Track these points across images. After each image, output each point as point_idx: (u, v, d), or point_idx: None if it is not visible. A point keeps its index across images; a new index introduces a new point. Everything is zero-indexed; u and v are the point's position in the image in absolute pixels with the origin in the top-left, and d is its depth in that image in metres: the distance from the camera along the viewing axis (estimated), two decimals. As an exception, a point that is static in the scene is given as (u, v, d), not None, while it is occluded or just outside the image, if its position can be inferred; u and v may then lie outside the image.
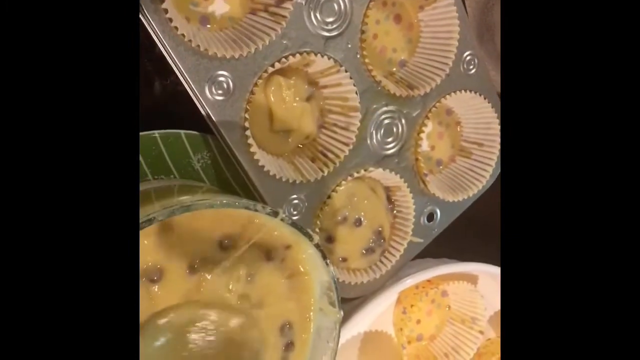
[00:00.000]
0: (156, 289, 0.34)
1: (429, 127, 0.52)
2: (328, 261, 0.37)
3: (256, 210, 0.34)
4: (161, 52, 0.38)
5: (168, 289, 0.35)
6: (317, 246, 0.37)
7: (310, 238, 0.36)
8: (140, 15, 0.36)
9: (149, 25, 0.37)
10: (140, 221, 0.31)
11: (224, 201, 0.34)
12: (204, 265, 0.35)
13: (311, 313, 0.40)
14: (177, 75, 0.39)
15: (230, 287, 0.36)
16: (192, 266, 0.35)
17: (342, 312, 0.39)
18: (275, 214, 0.34)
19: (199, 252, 0.35)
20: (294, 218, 0.44)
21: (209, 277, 0.35)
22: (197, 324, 0.35)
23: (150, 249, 0.34)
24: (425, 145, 0.52)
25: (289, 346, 0.40)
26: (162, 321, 0.34)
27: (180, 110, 0.41)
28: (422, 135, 0.50)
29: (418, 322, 0.55)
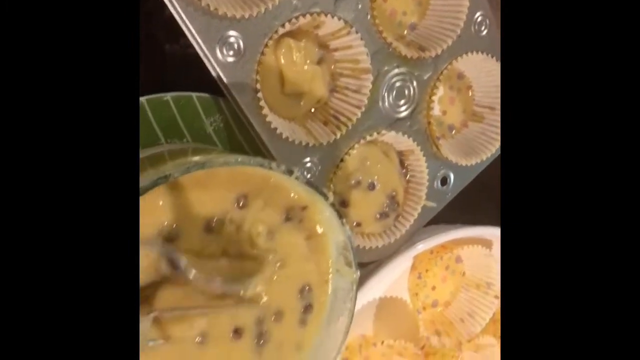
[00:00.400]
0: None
1: (440, 91, 0.51)
2: (344, 220, 0.37)
3: (270, 168, 0.34)
4: (171, 14, 0.38)
5: (185, 249, 0.35)
6: (332, 205, 0.36)
7: (325, 197, 0.36)
8: (149, -25, 0.36)
9: (157, -16, 0.36)
10: (155, 178, 0.30)
11: (239, 159, 0.33)
12: (221, 224, 0.35)
13: (329, 275, 0.40)
14: (187, 38, 0.39)
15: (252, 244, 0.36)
16: (209, 226, 0.35)
17: (358, 272, 0.39)
18: (289, 172, 0.34)
19: (215, 212, 0.35)
20: (308, 181, 0.44)
21: (227, 235, 0.35)
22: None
23: (165, 209, 0.34)
24: (436, 110, 0.52)
25: (308, 308, 0.40)
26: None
27: (191, 74, 0.41)
28: (434, 98, 0.49)
29: (433, 288, 0.55)
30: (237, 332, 0.36)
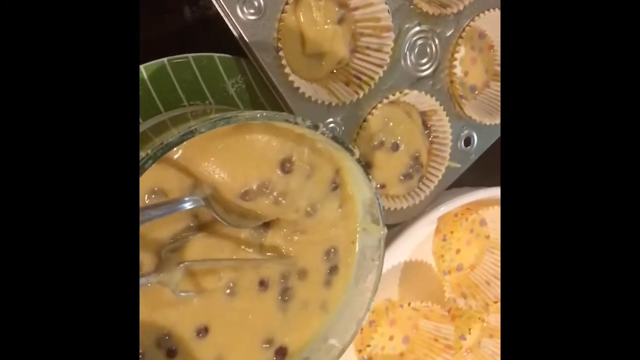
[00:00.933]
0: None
1: (462, 51, 0.50)
2: (370, 177, 0.37)
3: (296, 123, 0.33)
4: (189, -26, 0.38)
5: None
6: (358, 161, 0.36)
7: (351, 153, 0.36)
8: None
9: (176, -59, 0.36)
10: (182, 133, 0.30)
11: (264, 114, 0.33)
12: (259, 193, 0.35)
13: (357, 235, 0.40)
14: (206, -2, 0.39)
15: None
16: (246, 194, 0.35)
17: (385, 229, 0.38)
18: (315, 127, 0.34)
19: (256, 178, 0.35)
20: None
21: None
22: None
23: (201, 170, 0.34)
24: (459, 71, 0.51)
25: (333, 270, 0.40)
26: None
27: (212, 35, 0.41)
28: (456, 56, 0.48)
29: (458, 251, 0.55)
30: (263, 284, 0.36)
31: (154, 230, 0.33)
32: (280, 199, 0.36)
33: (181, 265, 0.32)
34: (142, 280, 0.30)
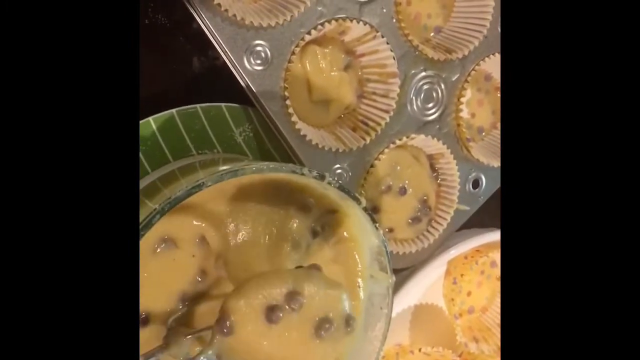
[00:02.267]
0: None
1: (468, 94, 0.51)
2: (377, 225, 0.37)
3: (303, 174, 0.34)
4: (198, 27, 0.39)
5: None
6: (365, 210, 0.36)
7: (358, 202, 0.36)
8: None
9: (185, -3, 0.37)
10: (189, 187, 0.31)
11: (271, 166, 0.33)
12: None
13: (359, 279, 0.40)
14: (215, 50, 0.39)
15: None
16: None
17: (394, 277, 0.38)
18: (321, 177, 0.34)
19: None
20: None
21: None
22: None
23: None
24: (465, 113, 0.51)
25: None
26: None
27: (220, 85, 0.41)
28: (463, 100, 0.49)
29: (469, 294, 0.54)
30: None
31: (160, 298, 0.33)
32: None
33: (189, 337, 0.32)
34: (152, 359, 0.30)
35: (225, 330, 0.30)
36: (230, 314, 0.30)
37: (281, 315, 0.31)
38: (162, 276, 0.33)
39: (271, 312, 0.31)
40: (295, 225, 0.36)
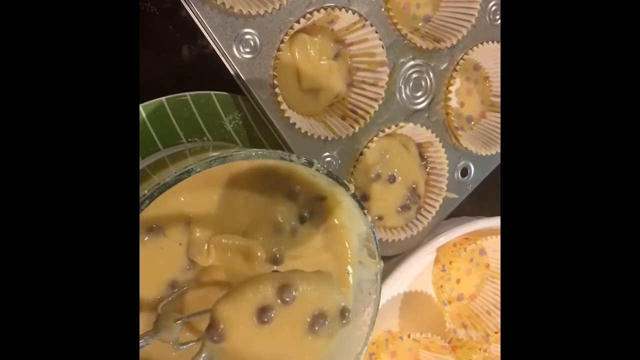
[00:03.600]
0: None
1: (457, 83, 0.51)
2: (365, 211, 0.37)
3: (291, 161, 0.34)
4: (187, 16, 0.39)
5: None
6: (353, 196, 0.36)
7: (346, 188, 0.36)
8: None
9: (173, -16, 0.37)
10: (178, 173, 0.31)
11: (259, 152, 0.34)
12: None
13: (349, 266, 0.40)
14: (204, 38, 0.39)
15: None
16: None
17: (382, 263, 0.39)
18: (310, 164, 0.34)
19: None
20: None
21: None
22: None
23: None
24: (454, 103, 0.52)
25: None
26: None
27: (209, 74, 0.42)
28: (451, 89, 0.49)
29: (458, 281, 0.55)
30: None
31: (150, 285, 0.33)
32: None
33: (178, 322, 0.32)
34: (141, 342, 0.31)
35: (216, 338, 0.30)
36: (219, 321, 0.30)
37: (273, 314, 0.31)
38: (150, 265, 0.34)
39: (262, 313, 0.31)
40: (281, 211, 0.36)
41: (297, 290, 0.31)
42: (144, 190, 0.31)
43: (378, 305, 0.39)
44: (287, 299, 0.31)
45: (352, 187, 0.36)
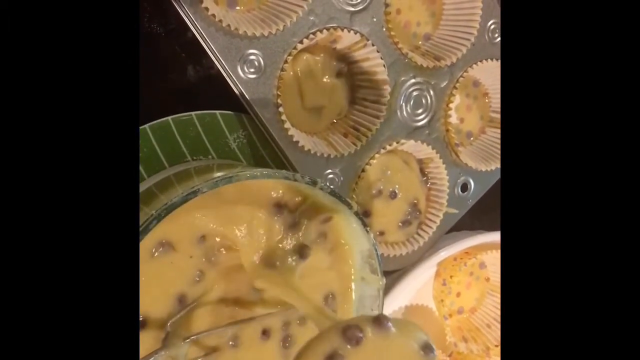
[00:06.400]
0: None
1: (457, 100, 0.52)
2: (368, 228, 0.38)
3: (295, 180, 0.35)
4: (193, 37, 0.40)
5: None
6: (356, 214, 0.37)
7: (349, 206, 0.37)
8: (172, -1, 0.37)
9: (180, 7, 0.38)
10: (185, 194, 0.31)
11: (264, 172, 0.34)
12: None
13: (352, 283, 0.41)
14: (209, 58, 0.40)
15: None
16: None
17: (384, 279, 0.39)
18: (313, 183, 0.35)
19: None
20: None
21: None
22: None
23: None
24: (454, 119, 0.53)
25: (332, 315, 0.40)
26: None
27: (214, 93, 0.42)
28: (451, 106, 0.50)
29: (458, 295, 0.55)
30: (265, 334, 0.37)
31: (158, 301, 0.34)
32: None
33: (187, 340, 0.32)
34: None
35: None
36: None
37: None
38: (160, 279, 0.34)
39: None
40: (287, 235, 0.37)
41: (362, 330, 0.30)
42: (152, 210, 0.31)
43: (380, 321, 0.40)
44: (356, 340, 0.30)
45: (355, 205, 0.37)
